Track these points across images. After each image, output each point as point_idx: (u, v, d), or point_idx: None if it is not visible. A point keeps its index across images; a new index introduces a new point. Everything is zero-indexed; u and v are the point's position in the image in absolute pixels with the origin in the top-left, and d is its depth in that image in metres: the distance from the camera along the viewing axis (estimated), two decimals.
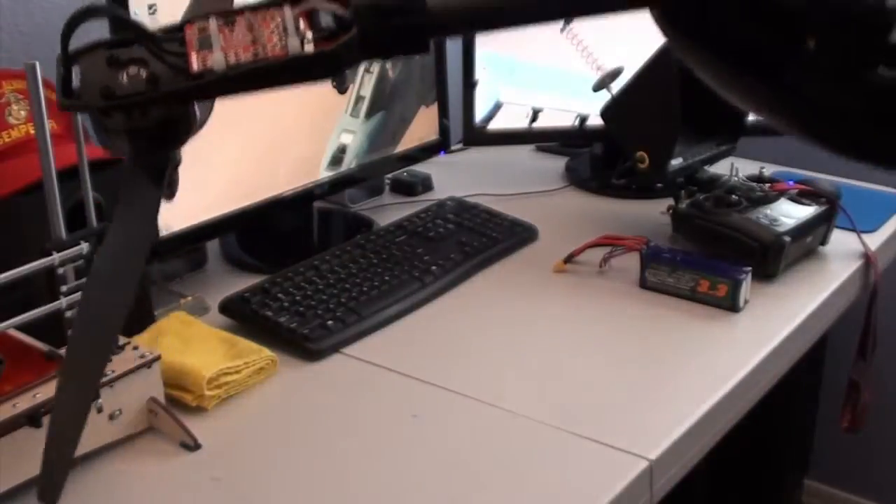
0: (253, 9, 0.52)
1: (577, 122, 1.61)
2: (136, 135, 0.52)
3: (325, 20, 0.50)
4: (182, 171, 1.28)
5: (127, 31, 0.51)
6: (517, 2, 0.52)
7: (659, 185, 1.52)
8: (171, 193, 0.58)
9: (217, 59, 0.50)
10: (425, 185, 1.62)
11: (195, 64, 0.50)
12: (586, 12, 0.58)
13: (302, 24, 0.51)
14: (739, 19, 0.49)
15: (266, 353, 1.07)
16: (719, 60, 0.52)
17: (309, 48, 0.50)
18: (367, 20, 0.50)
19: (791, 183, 1.37)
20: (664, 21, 0.52)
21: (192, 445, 0.95)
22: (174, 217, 1.19)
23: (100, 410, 0.92)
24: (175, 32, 0.52)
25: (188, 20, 0.52)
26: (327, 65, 0.51)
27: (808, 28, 0.47)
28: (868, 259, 1.35)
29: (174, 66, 0.51)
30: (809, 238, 1.31)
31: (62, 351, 0.92)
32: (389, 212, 1.51)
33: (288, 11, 0.51)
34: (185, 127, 0.54)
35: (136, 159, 0.54)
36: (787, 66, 0.49)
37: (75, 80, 0.51)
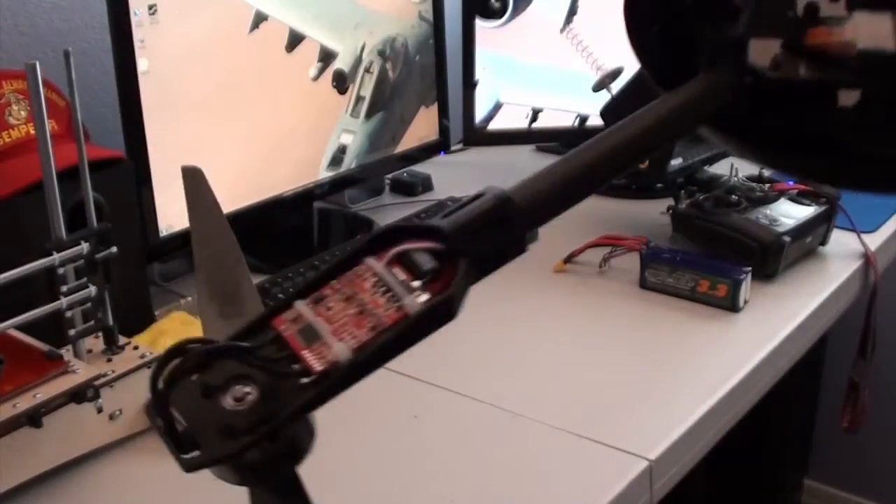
0: (332, 276, 0.45)
1: (576, 122, 1.61)
2: (267, 464, 0.44)
3: (424, 261, 0.44)
4: None
5: (216, 355, 0.44)
6: (597, 174, 0.49)
7: (659, 185, 1.52)
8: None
9: (340, 350, 0.43)
10: (425, 185, 1.62)
11: (316, 364, 0.43)
12: (647, 157, 0.55)
13: (401, 274, 0.44)
14: (783, 108, 0.49)
15: None
16: (774, 151, 0.51)
17: (424, 298, 0.44)
18: (466, 244, 0.45)
19: (791, 183, 1.37)
20: (715, 131, 0.51)
21: None
22: (174, 217, 1.19)
23: (100, 410, 0.92)
24: (259, 332, 0.44)
25: (270, 315, 0.44)
26: (450, 308, 0.45)
27: (852, 84, 0.46)
28: (868, 259, 1.35)
29: (285, 374, 0.43)
30: (809, 238, 1.31)
31: (62, 351, 0.92)
32: (389, 212, 1.51)
33: (377, 265, 0.44)
34: (310, 430, 0.47)
35: (269, 486, 0.46)
36: (837, 130, 0.48)
37: (180, 426, 0.44)
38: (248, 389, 0.43)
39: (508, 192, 0.47)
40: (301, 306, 0.44)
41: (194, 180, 0.56)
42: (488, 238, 0.46)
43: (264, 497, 0.48)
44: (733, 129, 0.52)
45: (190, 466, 0.44)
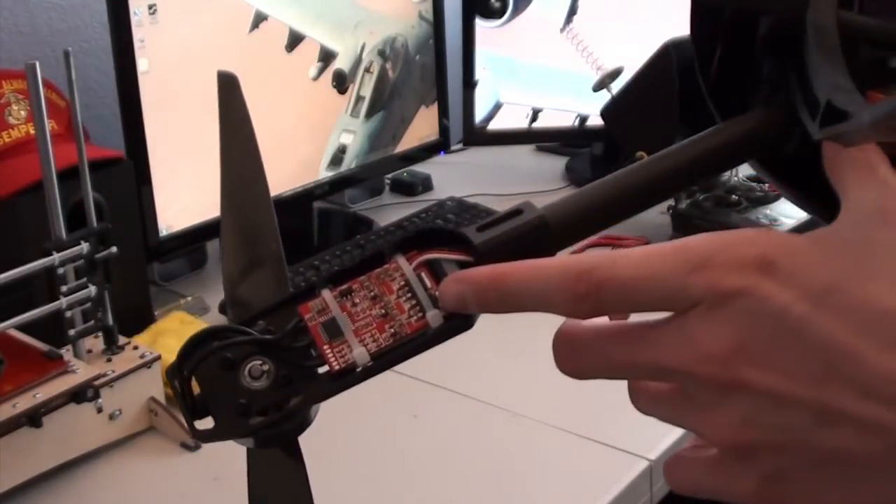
0: (362, 270, 0.46)
1: (577, 122, 1.61)
2: (273, 438, 0.47)
3: (452, 272, 0.45)
4: (182, 170, 1.28)
5: (244, 345, 0.46)
6: (635, 201, 0.48)
7: None
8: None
9: (359, 355, 0.45)
10: (425, 185, 1.62)
11: (334, 362, 0.45)
12: (692, 184, 0.54)
13: (427, 281, 0.46)
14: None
15: None
16: (813, 198, 0.51)
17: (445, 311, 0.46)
18: (496, 260, 0.45)
19: None
20: (762, 169, 0.50)
21: (192, 445, 0.95)
22: (174, 217, 1.19)
23: (100, 410, 0.92)
24: (283, 313, 0.46)
25: (295, 299, 0.47)
26: (469, 323, 0.46)
27: None
28: None
29: (303, 364, 0.46)
30: None
31: (62, 351, 0.92)
32: (389, 212, 1.51)
33: (405, 266, 0.46)
34: (315, 406, 0.49)
35: (269, 445, 0.49)
36: None
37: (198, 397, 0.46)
38: (265, 368, 0.45)
39: (546, 215, 0.47)
40: (328, 297, 0.46)
41: (228, 89, 0.52)
42: (518, 259, 0.47)
43: (263, 456, 0.51)
44: (779, 170, 0.51)
45: (202, 438, 0.45)
